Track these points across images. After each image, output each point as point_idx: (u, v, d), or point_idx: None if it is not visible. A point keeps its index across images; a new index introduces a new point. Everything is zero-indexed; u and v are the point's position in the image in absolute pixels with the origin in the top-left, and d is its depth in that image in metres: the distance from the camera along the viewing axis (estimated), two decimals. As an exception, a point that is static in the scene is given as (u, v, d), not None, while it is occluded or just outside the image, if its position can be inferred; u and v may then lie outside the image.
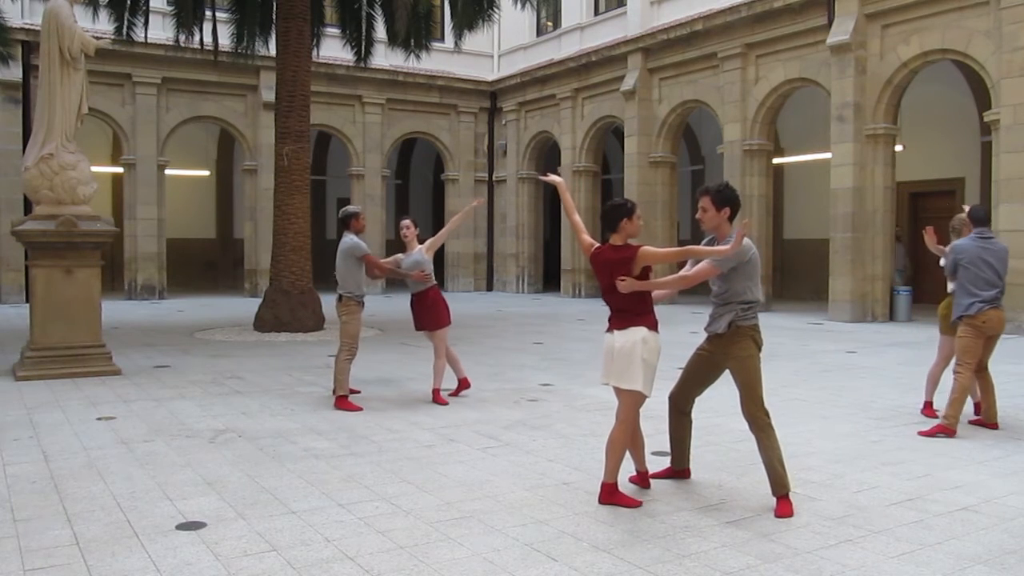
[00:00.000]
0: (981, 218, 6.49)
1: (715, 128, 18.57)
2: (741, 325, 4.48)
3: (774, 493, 4.41)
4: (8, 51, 16.59)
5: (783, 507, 4.32)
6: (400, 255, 7.51)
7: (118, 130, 19.92)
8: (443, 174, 24.41)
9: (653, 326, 4.42)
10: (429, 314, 7.37)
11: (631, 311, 4.41)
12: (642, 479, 4.76)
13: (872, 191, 14.68)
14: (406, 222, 7.48)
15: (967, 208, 6.62)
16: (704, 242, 4.73)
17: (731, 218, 4.57)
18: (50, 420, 6.49)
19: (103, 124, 20.03)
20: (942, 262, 6.59)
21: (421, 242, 7.52)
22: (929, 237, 6.93)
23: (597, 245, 4.60)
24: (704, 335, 4.71)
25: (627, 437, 4.48)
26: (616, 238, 4.49)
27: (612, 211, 4.51)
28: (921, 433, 6.12)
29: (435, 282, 7.48)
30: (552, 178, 5.08)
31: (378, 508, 4.37)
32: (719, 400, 7.44)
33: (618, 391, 4.45)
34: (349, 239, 7.30)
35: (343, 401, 7.13)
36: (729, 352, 4.54)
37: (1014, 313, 12.47)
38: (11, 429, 6.17)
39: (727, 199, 4.54)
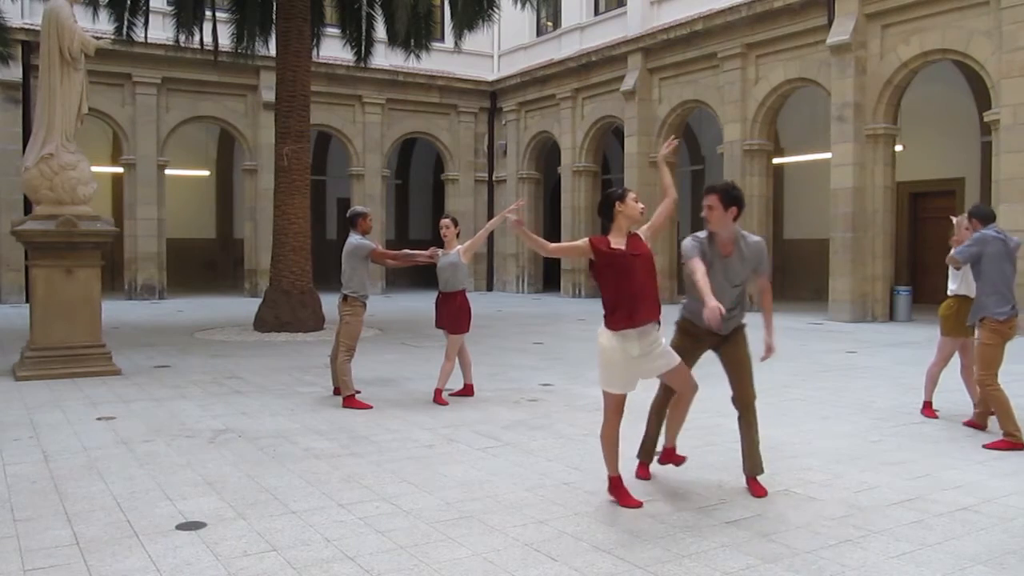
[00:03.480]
0: (988, 215, 6.16)
1: (715, 128, 18.57)
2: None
3: (755, 473, 4.70)
4: (8, 51, 16.59)
5: (760, 487, 4.63)
6: (438, 249, 7.54)
7: (118, 130, 19.92)
8: (443, 174, 24.41)
9: (608, 325, 4.38)
10: (452, 317, 7.37)
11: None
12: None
13: (872, 191, 14.68)
14: (446, 221, 7.52)
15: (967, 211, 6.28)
16: (694, 239, 4.62)
17: (736, 218, 4.57)
18: (50, 420, 6.49)
19: (103, 124, 20.03)
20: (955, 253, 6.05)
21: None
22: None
23: (593, 241, 4.40)
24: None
25: (609, 431, 4.49)
26: (616, 228, 4.38)
27: (604, 200, 4.44)
28: (987, 446, 5.68)
29: (465, 287, 7.50)
30: (510, 220, 4.82)
31: (378, 508, 4.37)
32: (720, 400, 7.43)
33: None
34: (355, 239, 7.33)
35: (352, 400, 7.14)
36: (732, 340, 4.74)
37: (1014, 313, 12.49)
38: (11, 429, 6.17)
39: (735, 199, 4.55)
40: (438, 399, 7.29)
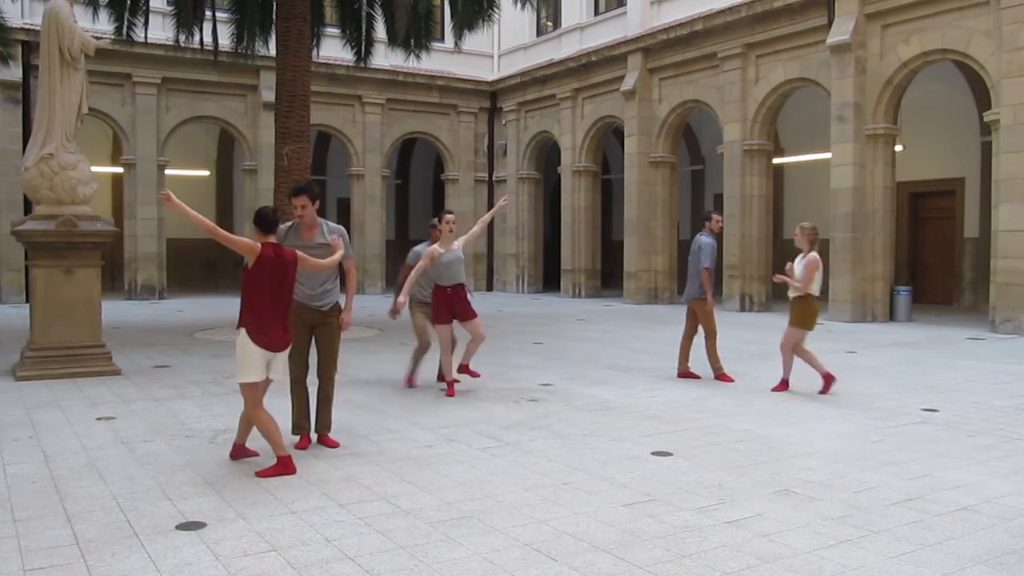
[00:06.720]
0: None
1: (715, 128, 18.56)
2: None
3: (323, 431, 5.78)
4: (8, 51, 16.57)
5: (328, 439, 5.73)
6: (438, 249, 7.64)
7: (118, 130, 19.91)
8: (443, 174, 24.40)
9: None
10: (432, 310, 7.78)
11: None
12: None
13: (872, 191, 14.67)
14: (449, 216, 7.64)
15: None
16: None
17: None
18: (50, 420, 6.49)
19: (103, 124, 20.02)
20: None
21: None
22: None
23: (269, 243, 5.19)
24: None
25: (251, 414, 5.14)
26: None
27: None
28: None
29: (461, 281, 7.73)
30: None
31: (378, 508, 4.37)
32: (720, 400, 7.45)
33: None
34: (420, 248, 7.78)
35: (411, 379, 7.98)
36: (328, 319, 5.76)
37: (1014, 313, 12.49)
38: (11, 429, 6.17)
39: (313, 197, 5.98)
40: (450, 391, 7.63)
